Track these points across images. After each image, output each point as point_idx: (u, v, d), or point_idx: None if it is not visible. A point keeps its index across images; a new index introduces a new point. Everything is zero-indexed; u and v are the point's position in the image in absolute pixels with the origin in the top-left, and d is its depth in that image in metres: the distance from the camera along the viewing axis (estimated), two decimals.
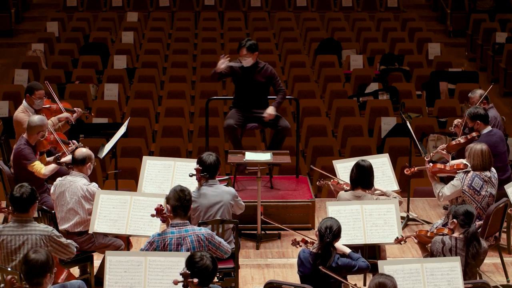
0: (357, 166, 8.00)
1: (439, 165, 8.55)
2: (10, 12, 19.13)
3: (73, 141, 9.22)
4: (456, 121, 9.90)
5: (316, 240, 7.01)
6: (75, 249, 7.05)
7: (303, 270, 6.90)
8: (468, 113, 9.53)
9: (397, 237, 7.41)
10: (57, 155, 9.03)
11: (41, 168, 8.80)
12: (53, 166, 8.87)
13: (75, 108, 9.94)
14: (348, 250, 7.00)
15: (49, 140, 9.06)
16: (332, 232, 6.85)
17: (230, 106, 10.29)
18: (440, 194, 8.38)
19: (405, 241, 7.42)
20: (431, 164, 8.55)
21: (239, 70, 9.97)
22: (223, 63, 9.84)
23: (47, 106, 9.70)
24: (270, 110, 9.95)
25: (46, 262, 6.04)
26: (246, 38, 10.25)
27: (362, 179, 7.98)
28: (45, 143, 9.04)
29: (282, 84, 10.22)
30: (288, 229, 8.14)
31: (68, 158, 8.59)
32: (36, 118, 8.99)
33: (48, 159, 9.28)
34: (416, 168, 8.69)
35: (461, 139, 9.48)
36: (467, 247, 7.04)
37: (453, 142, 9.54)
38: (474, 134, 9.44)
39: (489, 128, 9.48)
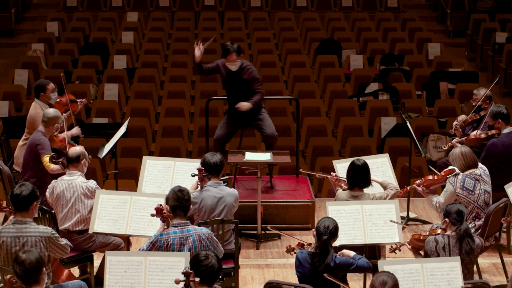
0: (351, 166, 8.00)
1: (429, 178, 8.47)
2: (10, 12, 19.13)
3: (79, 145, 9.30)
4: (455, 123, 9.86)
5: (313, 242, 7.02)
6: (69, 249, 7.06)
7: (301, 270, 6.90)
8: (491, 111, 9.46)
9: (391, 247, 7.40)
10: (52, 154, 9.03)
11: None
12: (60, 167, 8.88)
13: (78, 100, 10.06)
14: (352, 254, 7.04)
15: (59, 138, 9.14)
16: (329, 230, 6.86)
17: (225, 111, 10.20)
18: (437, 205, 8.33)
19: (400, 250, 7.41)
20: (418, 188, 8.45)
21: (224, 73, 9.82)
22: (198, 50, 9.70)
23: (57, 100, 9.88)
24: (245, 104, 9.67)
25: (40, 259, 6.10)
26: (228, 42, 9.86)
27: (358, 178, 7.98)
28: (56, 140, 9.12)
29: (261, 88, 9.89)
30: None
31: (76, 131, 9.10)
32: (51, 110, 9.19)
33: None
34: (408, 188, 8.54)
35: (482, 134, 9.45)
36: (460, 244, 7.04)
37: (472, 136, 9.49)
38: (494, 131, 9.38)
39: (510, 128, 9.42)
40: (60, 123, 9.14)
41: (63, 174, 8.60)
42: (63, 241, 6.94)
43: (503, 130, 9.39)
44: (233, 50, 9.63)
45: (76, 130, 9.84)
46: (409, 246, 7.38)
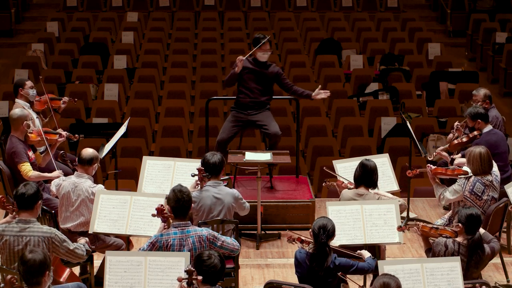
0: (361, 165, 8.06)
1: (440, 169, 8.50)
2: (10, 12, 19.13)
3: (60, 129, 9.20)
4: (456, 124, 9.85)
5: (311, 241, 7.01)
6: (84, 253, 6.98)
7: (300, 270, 6.90)
8: (468, 112, 9.51)
9: (400, 226, 7.42)
10: (61, 152, 8.99)
11: (28, 170, 8.67)
12: (40, 174, 8.74)
13: (61, 98, 9.97)
14: (367, 255, 7.11)
15: (35, 133, 9.03)
16: (326, 231, 6.84)
17: (231, 107, 10.16)
18: (442, 197, 8.35)
19: (408, 230, 7.42)
20: (432, 166, 8.50)
21: (249, 65, 9.86)
22: (241, 61, 9.76)
23: (37, 98, 9.75)
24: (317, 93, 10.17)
25: (44, 260, 6.06)
26: (260, 33, 10.06)
27: (365, 178, 8.02)
28: (33, 136, 9.00)
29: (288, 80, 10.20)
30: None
31: (56, 174, 8.62)
32: (17, 110, 9.03)
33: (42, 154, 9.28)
34: (418, 170, 8.64)
35: (463, 138, 9.46)
36: (470, 255, 7.03)
37: (455, 142, 9.50)
38: (475, 133, 9.41)
39: (490, 127, 9.46)
40: (29, 119, 9.02)
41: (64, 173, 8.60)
42: (73, 245, 6.87)
43: (483, 130, 9.43)
44: (267, 40, 9.79)
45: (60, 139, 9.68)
46: (419, 232, 7.38)
